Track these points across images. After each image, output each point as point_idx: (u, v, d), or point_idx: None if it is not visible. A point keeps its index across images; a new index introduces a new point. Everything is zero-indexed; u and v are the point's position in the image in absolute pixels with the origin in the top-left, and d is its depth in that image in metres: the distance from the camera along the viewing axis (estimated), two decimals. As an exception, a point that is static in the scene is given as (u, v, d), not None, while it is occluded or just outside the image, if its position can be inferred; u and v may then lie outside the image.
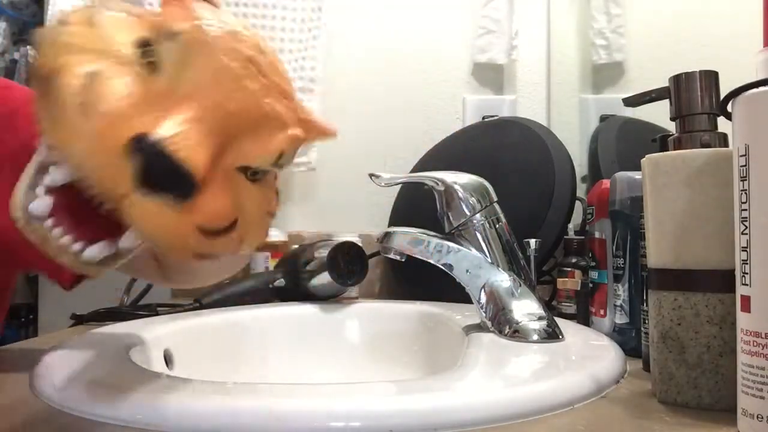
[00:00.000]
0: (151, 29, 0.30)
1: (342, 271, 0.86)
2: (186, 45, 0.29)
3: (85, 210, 0.31)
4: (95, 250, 0.33)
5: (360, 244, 0.91)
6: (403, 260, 0.65)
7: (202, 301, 0.88)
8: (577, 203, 0.94)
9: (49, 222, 0.32)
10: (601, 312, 0.65)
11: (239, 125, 0.29)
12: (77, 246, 0.32)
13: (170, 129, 0.27)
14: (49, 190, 0.32)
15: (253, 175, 0.31)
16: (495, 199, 0.64)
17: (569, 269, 0.81)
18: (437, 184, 0.64)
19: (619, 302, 0.61)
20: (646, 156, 0.46)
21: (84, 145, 0.27)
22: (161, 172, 0.26)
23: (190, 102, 0.28)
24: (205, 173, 0.27)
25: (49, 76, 0.28)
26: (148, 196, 0.27)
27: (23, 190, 0.33)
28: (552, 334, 0.59)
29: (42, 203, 0.32)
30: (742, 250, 0.35)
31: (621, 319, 0.61)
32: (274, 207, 0.33)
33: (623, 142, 1.01)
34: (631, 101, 0.55)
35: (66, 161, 0.29)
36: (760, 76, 0.36)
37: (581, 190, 0.98)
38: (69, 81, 0.27)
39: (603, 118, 1.07)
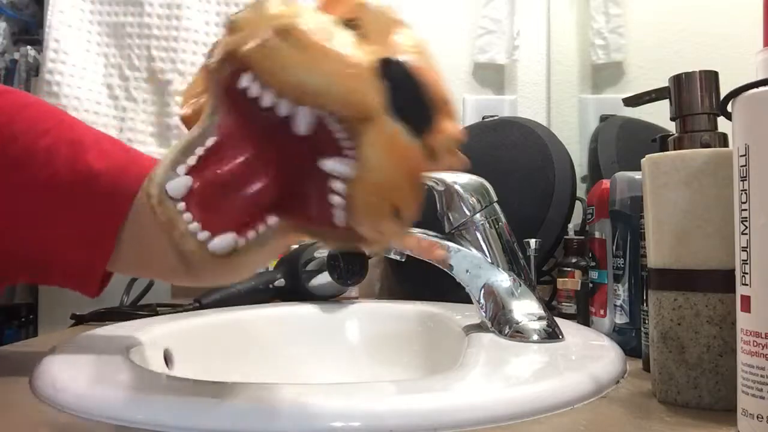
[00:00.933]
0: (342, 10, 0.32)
1: (342, 271, 0.86)
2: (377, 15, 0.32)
3: (215, 202, 0.32)
4: (225, 241, 0.32)
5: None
6: (403, 260, 0.65)
7: (202, 301, 0.88)
8: (577, 203, 0.94)
9: (182, 204, 0.32)
10: (601, 312, 0.65)
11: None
12: (204, 234, 0.31)
13: (408, 56, 0.29)
14: (189, 171, 0.32)
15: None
16: (495, 199, 0.64)
17: (569, 269, 0.81)
18: (437, 184, 0.64)
19: (619, 302, 0.61)
20: (646, 156, 0.46)
21: (331, 68, 0.27)
22: (410, 96, 0.28)
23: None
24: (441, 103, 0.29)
25: (281, 27, 0.29)
26: (396, 121, 0.28)
27: (164, 167, 0.32)
28: (552, 334, 0.59)
29: (181, 182, 0.31)
30: (742, 250, 0.35)
31: (621, 319, 0.61)
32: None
33: (623, 142, 1.01)
34: (631, 101, 0.55)
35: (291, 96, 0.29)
36: (760, 76, 0.36)
37: (581, 190, 0.98)
38: (305, 23, 0.28)
39: (603, 118, 1.07)
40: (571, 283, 0.79)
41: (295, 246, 1.02)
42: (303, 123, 0.29)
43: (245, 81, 0.30)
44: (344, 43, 0.28)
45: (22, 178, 0.51)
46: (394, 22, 0.32)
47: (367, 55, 0.28)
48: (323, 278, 0.86)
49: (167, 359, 0.63)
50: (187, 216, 0.31)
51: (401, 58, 0.28)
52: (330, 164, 0.30)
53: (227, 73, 0.31)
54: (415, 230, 0.64)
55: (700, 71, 0.45)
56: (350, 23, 0.31)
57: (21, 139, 0.51)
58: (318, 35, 0.28)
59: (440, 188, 0.64)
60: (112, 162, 0.52)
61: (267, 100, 0.30)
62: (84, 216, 0.51)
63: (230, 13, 0.32)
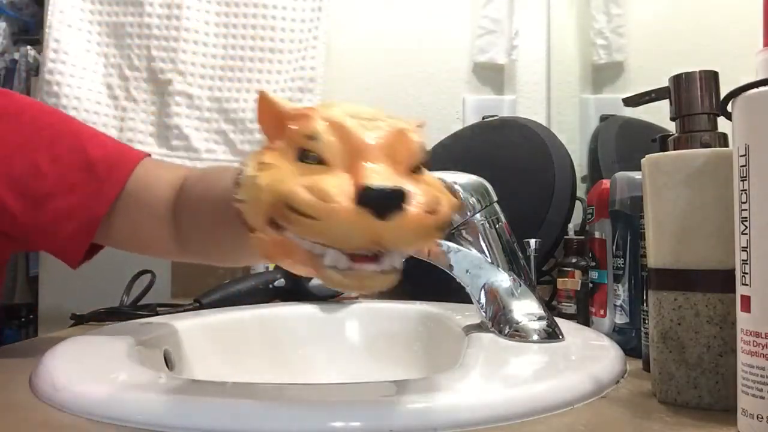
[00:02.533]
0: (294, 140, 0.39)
1: (342, 271, 0.86)
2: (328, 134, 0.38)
3: None
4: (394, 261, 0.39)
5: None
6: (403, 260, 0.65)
7: (202, 301, 0.88)
8: (577, 203, 0.94)
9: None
10: (601, 312, 0.65)
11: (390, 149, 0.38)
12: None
13: (369, 172, 0.36)
14: None
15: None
16: (495, 199, 0.64)
17: (569, 269, 0.81)
18: (437, 184, 0.64)
19: (619, 302, 0.61)
20: (646, 156, 0.46)
21: (330, 221, 0.35)
22: (389, 203, 0.35)
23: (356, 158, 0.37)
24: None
25: (277, 209, 0.36)
26: (390, 220, 0.35)
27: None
28: (552, 334, 0.59)
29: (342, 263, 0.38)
30: (742, 250, 0.35)
31: (621, 319, 0.61)
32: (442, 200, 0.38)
33: (623, 142, 1.01)
34: (631, 101, 0.55)
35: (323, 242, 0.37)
36: (760, 76, 0.36)
37: (581, 190, 0.98)
38: (293, 194, 0.36)
39: (603, 118, 1.07)
40: (571, 283, 0.79)
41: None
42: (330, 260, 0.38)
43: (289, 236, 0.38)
44: (327, 189, 0.35)
45: (33, 153, 0.59)
46: (349, 134, 0.38)
47: (346, 195, 0.35)
48: (323, 278, 0.86)
49: (167, 359, 0.63)
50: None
51: (368, 182, 0.35)
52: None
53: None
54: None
55: (700, 71, 0.45)
56: (305, 154, 0.38)
57: (29, 127, 0.60)
58: (306, 196, 0.35)
59: (440, 188, 0.64)
60: (106, 152, 0.61)
61: (307, 245, 0.38)
62: (81, 195, 0.59)
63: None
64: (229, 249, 0.56)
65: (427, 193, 0.37)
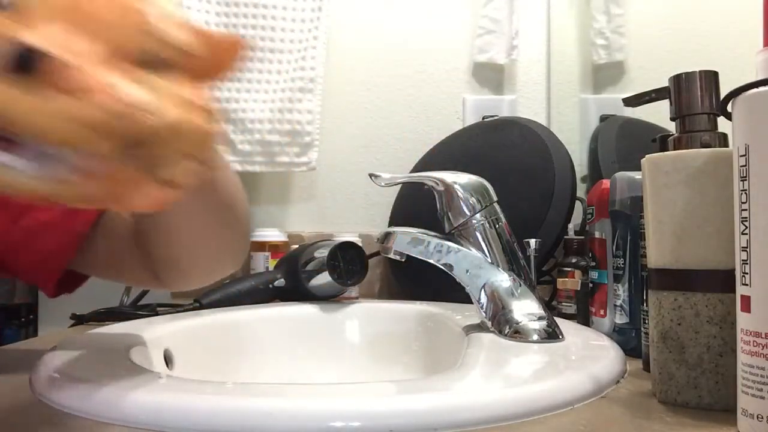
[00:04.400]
0: None
1: (342, 271, 0.86)
2: None
3: None
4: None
5: (360, 244, 0.91)
6: (403, 260, 0.65)
7: (202, 301, 0.88)
8: (577, 203, 0.94)
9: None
10: (601, 312, 0.65)
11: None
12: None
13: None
14: None
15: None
16: (495, 199, 0.64)
17: (569, 269, 0.81)
18: (437, 184, 0.64)
19: (619, 302, 0.61)
20: (646, 156, 0.46)
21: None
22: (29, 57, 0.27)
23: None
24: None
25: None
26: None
27: None
28: (552, 334, 0.59)
29: None
30: (742, 250, 0.35)
31: (621, 319, 0.61)
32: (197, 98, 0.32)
33: (623, 142, 1.01)
34: (631, 101, 0.55)
35: None
36: (760, 76, 0.36)
37: (581, 190, 0.98)
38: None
39: (603, 118, 1.07)
40: (571, 283, 0.79)
41: (295, 246, 1.02)
42: None
43: None
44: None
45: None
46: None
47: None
48: (323, 278, 0.86)
49: (167, 359, 0.63)
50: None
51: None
52: None
53: None
54: (415, 230, 0.64)
55: (700, 71, 0.45)
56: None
57: None
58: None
59: (440, 188, 0.64)
60: None
61: None
62: (62, 210, 0.55)
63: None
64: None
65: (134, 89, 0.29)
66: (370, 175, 0.67)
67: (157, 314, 0.82)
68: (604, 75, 1.13)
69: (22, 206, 0.55)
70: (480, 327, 0.62)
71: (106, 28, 0.29)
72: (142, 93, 0.29)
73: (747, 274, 0.35)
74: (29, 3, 0.29)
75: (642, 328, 0.54)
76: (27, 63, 0.26)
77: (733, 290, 0.37)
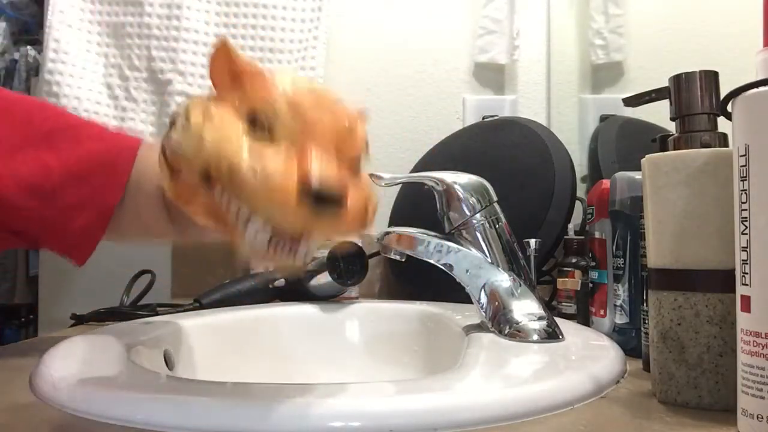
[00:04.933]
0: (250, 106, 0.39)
1: (342, 271, 0.86)
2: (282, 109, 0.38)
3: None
4: (309, 253, 0.40)
5: (360, 244, 0.91)
6: (403, 260, 0.65)
7: (202, 301, 0.88)
8: (577, 203, 0.94)
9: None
10: (601, 312, 0.65)
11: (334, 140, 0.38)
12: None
13: (317, 167, 0.36)
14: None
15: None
16: (495, 199, 0.64)
17: (569, 269, 0.81)
18: (437, 184, 0.64)
19: (619, 302, 0.61)
20: (646, 156, 0.46)
21: (268, 201, 0.36)
22: (330, 199, 0.35)
23: (305, 141, 0.37)
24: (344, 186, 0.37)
25: (216, 167, 0.37)
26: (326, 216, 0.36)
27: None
28: (552, 334, 0.59)
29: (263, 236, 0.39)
30: (742, 250, 0.35)
31: (621, 319, 0.61)
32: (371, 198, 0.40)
33: (623, 142, 1.01)
34: (631, 101, 0.55)
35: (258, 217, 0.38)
36: (760, 76, 0.36)
37: (581, 190, 0.98)
38: (238, 163, 0.36)
39: (603, 118, 1.07)
40: (571, 283, 0.79)
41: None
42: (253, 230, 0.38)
43: (217, 193, 0.38)
44: (272, 169, 0.36)
45: (35, 150, 0.58)
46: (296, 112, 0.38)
47: (289, 176, 0.36)
48: (323, 278, 0.86)
49: (167, 359, 0.63)
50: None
51: (312, 177, 0.35)
52: None
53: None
54: (415, 230, 0.64)
55: (700, 71, 0.45)
56: (255, 119, 0.38)
57: (23, 123, 0.59)
58: (251, 170, 0.36)
59: (440, 188, 0.64)
60: (105, 142, 0.61)
61: (233, 208, 0.38)
62: (91, 186, 0.59)
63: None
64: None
65: (361, 191, 0.38)
66: (370, 175, 0.67)
67: (157, 314, 0.82)
68: (604, 75, 1.13)
69: (50, 189, 0.57)
70: (480, 327, 0.62)
71: (337, 144, 0.38)
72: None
73: (747, 274, 0.35)
74: (277, 126, 0.37)
75: (642, 328, 0.54)
76: (327, 199, 0.35)
77: (733, 290, 0.37)
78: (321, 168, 0.36)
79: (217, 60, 0.40)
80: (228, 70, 0.40)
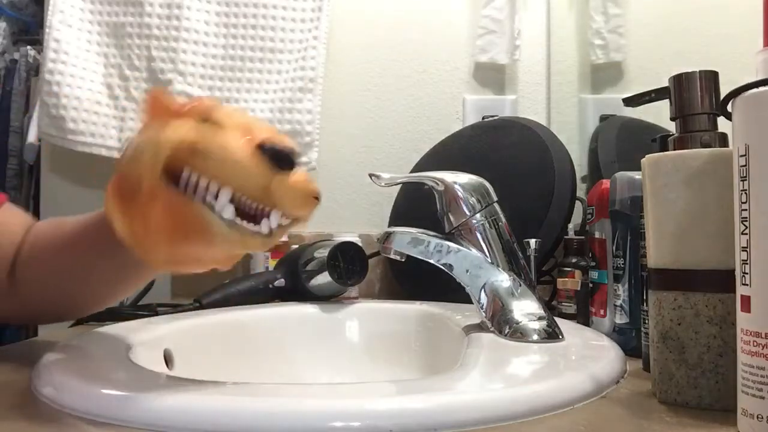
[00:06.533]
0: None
1: (342, 271, 0.86)
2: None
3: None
4: (272, 223, 0.44)
5: (360, 244, 0.91)
6: (403, 260, 0.65)
7: (202, 301, 0.88)
8: (577, 203, 0.94)
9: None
10: (601, 312, 0.65)
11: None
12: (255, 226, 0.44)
13: (268, 133, 0.43)
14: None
15: None
16: (495, 199, 0.64)
17: (569, 269, 0.81)
18: (437, 184, 0.64)
19: (619, 302, 0.61)
20: (646, 156, 0.46)
21: (232, 164, 0.42)
22: (284, 157, 0.42)
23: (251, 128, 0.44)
24: None
25: (183, 151, 0.43)
26: (283, 174, 0.42)
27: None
28: (552, 334, 0.59)
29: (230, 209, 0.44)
30: (742, 250, 0.36)
31: (621, 319, 0.61)
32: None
33: (623, 142, 1.01)
34: (631, 101, 0.55)
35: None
36: (760, 76, 0.36)
37: (581, 190, 0.98)
38: (204, 139, 0.43)
39: (603, 118, 1.07)
40: (571, 283, 0.79)
41: (295, 246, 1.02)
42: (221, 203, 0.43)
43: (183, 180, 0.43)
44: (232, 144, 0.42)
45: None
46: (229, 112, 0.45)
47: (247, 142, 0.43)
48: (323, 278, 0.86)
49: (167, 359, 0.63)
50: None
51: (268, 141, 0.42)
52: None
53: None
54: (415, 230, 0.64)
55: (700, 71, 0.45)
56: (205, 120, 0.44)
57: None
58: (215, 144, 0.43)
59: (440, 188, 0.64)
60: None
61: (202, 183, 0.43)
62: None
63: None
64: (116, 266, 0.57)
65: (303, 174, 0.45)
66: (370, 175, 0.67)
67: (157, 314, 0.82)
68: (603, 75, 1.13)
69: None
70: (480, 327, 0.62)
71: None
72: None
73: (747, 274, 0.35)
74: (221, 119, 0.44)
75: (642, 328, 0.54)
76: (289, 161, 0.43)
77: (733, 290, 0.37)
78: (271, 132, 0.43)
79: (152, 106, 0.46)
80: (162, 112, 0.45)
